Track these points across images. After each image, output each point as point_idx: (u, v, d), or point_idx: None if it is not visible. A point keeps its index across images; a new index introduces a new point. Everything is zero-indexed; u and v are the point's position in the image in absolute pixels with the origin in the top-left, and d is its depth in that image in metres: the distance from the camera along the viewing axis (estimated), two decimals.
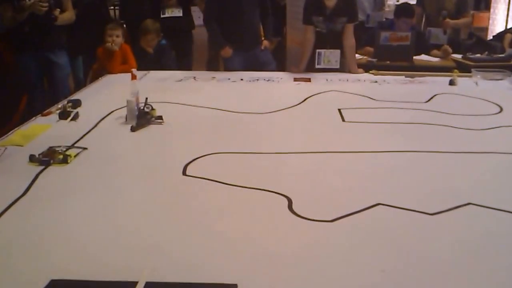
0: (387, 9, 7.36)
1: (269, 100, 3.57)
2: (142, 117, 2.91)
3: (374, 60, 5.07)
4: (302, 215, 1.86)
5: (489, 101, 3.56)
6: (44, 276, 1.47)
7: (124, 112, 3.00)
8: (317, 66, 4.39)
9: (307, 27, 4.36)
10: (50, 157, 2.37)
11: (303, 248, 1.66)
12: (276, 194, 2.03)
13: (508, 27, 7.46)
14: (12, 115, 4.51)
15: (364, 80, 4.26)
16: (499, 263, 1.59)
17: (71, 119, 3.04)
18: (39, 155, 2.38)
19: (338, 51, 4.37)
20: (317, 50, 4.36)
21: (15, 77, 4.62)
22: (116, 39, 4.39)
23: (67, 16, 4.46)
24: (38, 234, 1.74)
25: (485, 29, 8.18)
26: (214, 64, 5.16)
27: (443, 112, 3.24)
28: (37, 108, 3.60)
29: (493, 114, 3.29)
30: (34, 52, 4.38)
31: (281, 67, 5.09)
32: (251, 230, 1.77)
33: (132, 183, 2.18)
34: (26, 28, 4.24)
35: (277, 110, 3.29)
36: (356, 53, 4.72)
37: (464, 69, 4.72)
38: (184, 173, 2.26)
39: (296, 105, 3.45)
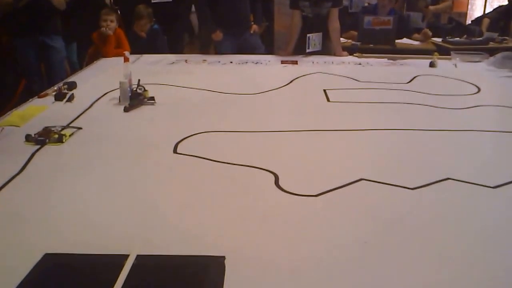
0: None
1: (257, 81, 3.55)
2: (135, 98, 2.88)
3: (358, 43, 5.06)
4: (288, 190, 1.84)
5: (467, 82, 3.56)
6: (39, 250, 1.44)
7: (117, 93, 2.96)
8: (308, 51, 4.37)
9: (294, 11, 4.34)
10: (45, 137, 2.33)
11: (288, 221, 1.64)
12: (263, 171, 2.01)
13: (486, 12, 7.46)
14: (11, 98, 4.47)
15: (349, 63, 4.25)
16: (475, 234, 1.58)
17: (67, 101, 3.00)
18: (35, 134, 2.35)
19: (320, 34, 4.35)
20: (308, 35, 4.34)
21: (13, 61, 4.57)
22: (110, 24, 4.35)
23: (58, 0, 4.41)
24: (33, 211, 1.71)
25: (464, 14, 8.18)
26: (205, 47, 5.12)
27: (424, 93, 3.23)
28: (34, 91, 3.56)
29: (471, 94, 3.28)
30: (31, 37, 4.33)
31: (269, 51, 5.06)
32: (239, 205, 1.75)
33: (125, 160, 2.14)
34: (23, 14, 4.19)
35: (265, 91, 3.26)
36: (341, 37, 4.71)
37: (444, 52, 4.72)
38: (175, 151, 2.24)
39: (283, 86, 3.42)
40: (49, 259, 1.41)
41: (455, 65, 4.17)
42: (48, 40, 4.42)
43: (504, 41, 5.34)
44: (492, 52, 4.48)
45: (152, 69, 3.93)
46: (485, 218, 1.70)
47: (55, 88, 3.18)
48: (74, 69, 4.82)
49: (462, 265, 1.41)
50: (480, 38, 5.42)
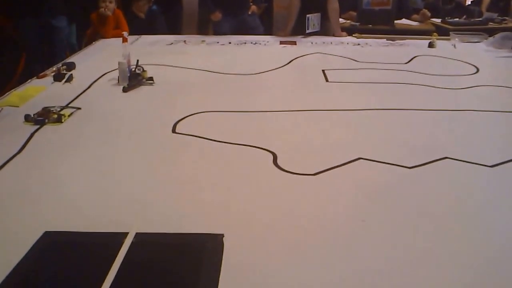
0: None
1: (256, 62, 3.53)
2: (134, 78, 2.87)
3: (357, 24, 5.03)
4: (286, 169, 1.84)
5: (466, 62, 3.54)
6: (39, 228, 1.44)
7: (116, 74, 2.95)
8: (308, 31, 4.35)
9: None
10: (45, 117, 2.33)
11: (287, 200, 1.64)
12: (262, 150, 2.01)
13: None
14: (11, 78, 4.46)
15: (347, 43, 4.23)
16: (472, 211, 1.59)
17: (66, 81, 2.99)
18: (34, 114, 2.34)
19: (319, 14, 4.33)
20: (307, 16, 4.31)
21: (13, 41, 4.56)
22: (109, 4, 4.32)
23: None
24: (33, 189, 1.71)
25: None
26: (204, 28, 5.10)
27: (422, 73, 3.22)
28: (36, 71, 3.54)
29: (470, 74, 3.27)
30: (35, 17, 4.31)
31: (268, 31, 5.04)
32: (237, 183, 1.75)
33: (124, 140, 2.15)
34: None
35: (264, 72, 3.25)
36: (340, 17, 4.68)
37: (443, 32, 4.69)
38: (173, 130, 2.23)
39: (282, 66, 3.41)
40: (48, 236, 1.42)
41: (454, 46, 4.15)
42: (53, 21, 4.40)
43: (504, 22, 5.31)
44: (491, 32, 4.45)
45: (151, 49, 3.92)
46: (482, 196, 1.70)
47: (54, 69, 3.17)
48: (73, 51, 4.79)
49: (459, 242, 1.41)
50: (480, 19, 5.39)
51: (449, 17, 5.37)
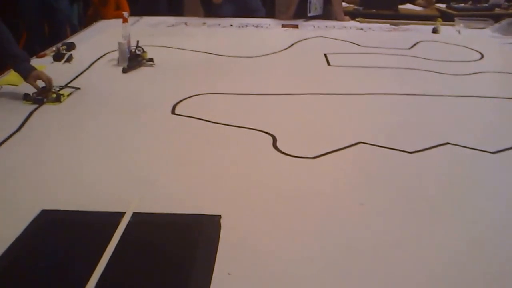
0: None
1: (257, 45, 3.52)
2: (134, 59, 2.86)
3: (361, 8, 5.01)
4: (286, 152, 1.84)
5: (470, 48, 3.52)
6: (36, 206, 1.45)
7: (116, 55, 2.94)
8: (309, 15, 4.32)
9: None
10: (44, 96, 2.33)
11: (285, 182, 1.64)
12: (261, 133, 2.01)
13: None
14: None
15: (350, 27, 4.20)
16: (472, 197, 1.59)
17: (65, 61, 2.99)
18: (33, 94, 2.34)
19: None
20: None
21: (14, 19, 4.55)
22: None
23: None
24: (31, 167, 1.72)
25: None
26: (205, 10, 5.07)
27: (426, 58, 3.21)
28: (37, 51, 3.53)
29: (474, 60, 3.25)
30: None
31: (270, 14, 5.01)
32: (236, 165, 1.76)
33: (123, 121, 2.14)
34: None
35: (265, 55, 3.24)
36: (343, 1, 4.65)
37: (447, 18, 4.67)
38: (173, 112, 2.23)
39: (283, 49, 3.40)
40: (46, 215, 1.42)
41: (459, 32, 4.12)
42: (53, 1, 4.38)
43: (511, 7, 5.28)
44: (497, 18, 4.43)
45: (152, 31, 3.90)
46: (483, 182, 1.70)
47: (54, 49, 3.16)
48: (75, 31, 4.78)
49: (458, 228, 1.41)
50: (486, 4, 5.36)
51: (454, 2, 5.34)
